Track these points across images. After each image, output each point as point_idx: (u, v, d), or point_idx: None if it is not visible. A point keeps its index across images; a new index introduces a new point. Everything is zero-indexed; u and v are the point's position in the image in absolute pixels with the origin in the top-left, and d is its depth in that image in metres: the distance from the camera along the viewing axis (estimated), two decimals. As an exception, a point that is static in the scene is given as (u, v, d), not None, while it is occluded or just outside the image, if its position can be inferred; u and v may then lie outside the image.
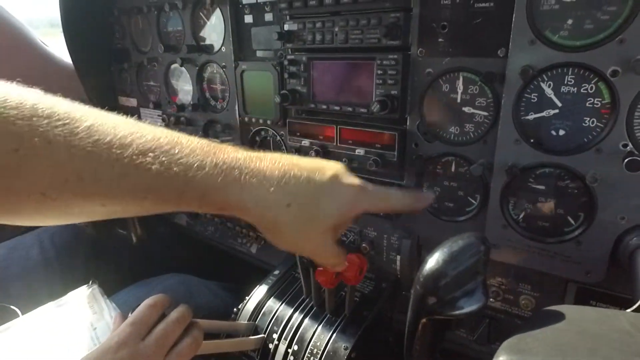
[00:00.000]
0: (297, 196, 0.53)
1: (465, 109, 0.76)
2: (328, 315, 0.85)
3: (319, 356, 0.79)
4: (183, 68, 1.24)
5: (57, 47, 1.46)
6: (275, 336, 0.85)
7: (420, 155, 0.83)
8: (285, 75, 0.96)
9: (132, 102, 1.48)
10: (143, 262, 1.48)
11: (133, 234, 1.49)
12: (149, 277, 1.28)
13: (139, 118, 1.06)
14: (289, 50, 0.95)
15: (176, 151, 0.46)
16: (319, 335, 0.82)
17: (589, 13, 0.60)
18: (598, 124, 0.64)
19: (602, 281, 0.67)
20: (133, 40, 1.39)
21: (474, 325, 0.87)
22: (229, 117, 1.16)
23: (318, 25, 0.86)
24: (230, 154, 0.51)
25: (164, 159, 0.45)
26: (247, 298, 0.95)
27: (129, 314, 0.70)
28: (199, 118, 1.25)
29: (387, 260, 0.97)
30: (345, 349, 0.78)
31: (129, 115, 0.47)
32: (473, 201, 0.81)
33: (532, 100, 0.68)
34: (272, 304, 0.92)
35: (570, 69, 0.64)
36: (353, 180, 0.59)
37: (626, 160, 0.61)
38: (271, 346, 0.85)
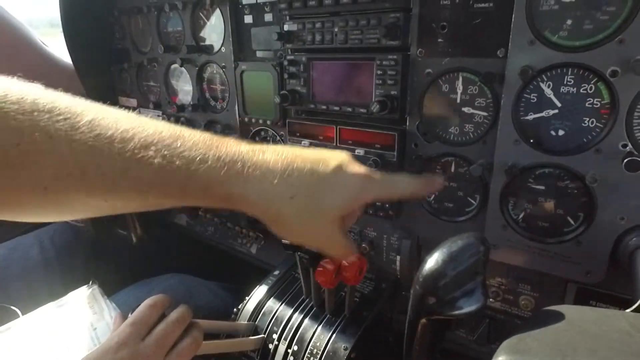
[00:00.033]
0: (301, 188, 0.52)
1: (465, 109, 0.77)
2: (328, 316, 0.85)
3: (318, 356, 0.79)
4: (183, 68, 1.24)
5: (57, 47, 1.46)
6: (275, 336, 0.85)
7: (420, 155, 0.83)
8: (285, 76, 0.96)
9: (132, 102, 1.48)
10: (143, 262, 1.48)
11: (133, 234, 1.49)
12: (149, 277, 1.28)
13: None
14: (289, 50, 0.95)
15: (178, 144, 0.46)
16: (319, 336, 0.82)
17: (589, 13, 0.60)
18: (597, 124, 0.64)
19: (601, 281, 0.67)
20: (133, 41, 1.39)
21: (474, 326, 0.87)
22: (229, 117, 1.16)
23: (318, 25, 0.86)
24: (233, 147, 0.51)
25: (166, 152, 0.45)
26: (247, 298, 0.95)
27: (129, 314, 0.70)
28: (198, 118, 1.25)
29: (387, 261, 0.97)
30: (345, 349, 0.78)
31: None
32: (473, 201, 0.81)
33: (532, 101, 0.68)
34: (272, 304, 0.92)
35: (570, 69, 0.64)
36: (358, 169, 0.57)
37: (626, 161, 0.61)
38: (271, 346, 0.85)
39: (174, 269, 1.35)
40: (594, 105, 0.63)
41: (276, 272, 1.02)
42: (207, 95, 1.23)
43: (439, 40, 0.76)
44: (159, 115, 1.37)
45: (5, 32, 1.32)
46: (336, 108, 0.90)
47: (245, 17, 1.03)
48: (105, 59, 1.48)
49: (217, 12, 1.09)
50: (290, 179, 0.52)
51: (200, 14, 1.14)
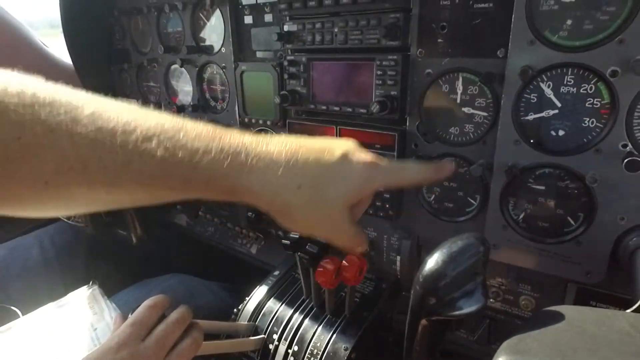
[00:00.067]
0: (306, 178, 0.52)
1: (465, 110, 0.77)
2: (328, 316, 0.85)
3: (319, 357, 0.79)
4: (183, 69, 1.24)
5: (57, 48, 1.46)
6: (275, 337, 0.85)
7: (420, 155, 0.83)
8: (285, 76, 0.96)
9: (132, 102, 1.48)
10: (143, 263, 1.48)
11: (133, 234, 1.49)
12: (149, 277, 1.28)
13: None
14: (289, 51, 0.95)
15: (181, 136, 0.45)
16: (319, 336, 0.82)
17: (588, 13, 0.60)
18: (597, 124, 0.64)
19: (602, 282, 0.67)
20: (133, 41, 1.39)
21: (474, 326, 0.87)
22: (229, 117, 1.16)
23: (317, 26, 0.86)
24: (237, 138, 0.50)
25: (168, 144, 0.44)
26: (247, 299, 0.95)
27: (129, 315, 0.70)
28: (198, 119, 1.25)
29: (387, 261, 0.97)
30: (346, 349, 0.78)
31: None
32: (473, 202, 0.81)
33: (532, 101, 0.68)
34: (272, 304, 0.92)
35: (570, 69, 0.64)
36: (365, 156, 0.56)
37: (626, 161, 0.61)
38: (271, 347, 0.85)
39: (174, 269, 1.35)
40: (594, 105, 0.63)
41: (276, 273, 1.02)
42: (207, 95, 1.23)
43: (439, 40, 0.76)
44: (159, 116, 1.37)
45: (5, 32, 1.32)
46: (336, 108, 0.90)
47: (245, 17, 1.03)
48: (105, 59, 1.48)
49: (217, 12, 1.09)
50: (295, 169, 0.51)
51: (200, 14, 1.14)
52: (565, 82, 0.65)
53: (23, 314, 1.00)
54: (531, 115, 0.68)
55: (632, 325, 0.39)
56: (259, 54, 1.05)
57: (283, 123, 1.03)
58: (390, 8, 0.77)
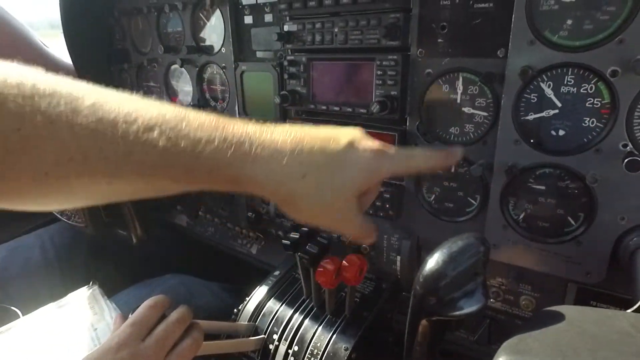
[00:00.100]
0: (311, 167, 0.51)
1: (465, 110, 0.76)
2: (328, 316, 0.85)
3: (319, 357, 0.79)
4: (183, 69, 1.24)
5: (57, 48, 1.46)
6: (275, 337, 0.85)
7: (420, 155, 0.83)
8: (285, 76, 0.96)
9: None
10: (143, 263, 1.49)
11: (133, 234, 1.49)
12: (149, 277, 1.28)
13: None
14: (289, 51, 0.95)
15: (183, 126, 0.44)
16: (319, 336, 0.82)
17: (588, 13, 0.60)
18: (598, 124, 0.64)
19: (602, 282, 0.67)
20: (133, 41, 1.39)
21: (475, 326, 0.87)
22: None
23: (318, 26, 0.86)
24: (240, 127, 0.49)
25: (170, 134, 0.43)
26: (247, 299, 0.95)
27: (130, 315, 0.70)
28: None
29: (387, 261, 0.97)
30: (346, 349, 0.78)
31: None
32: (473, 202, 0.81)
33: (532, 101, 0.68)
34: (273, 304, 0.92)
35: (570, 69, 0.64)
36: (371, 144, 0.55)
37: (626, 161, 0.61)
38: (271, 347, 0.85)
39: (174, 269, 1.35)
40: (594, 105, 0.63)
41: (276, 273, 1.02)
42: (207, 95, 1.23)
43: (439, 40, 0.76)
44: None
45: (5, 32, 1.32)
46: (336, 108, 0.90)
47: (245, 17, 1.03)
48: (105, 59, 1.48)
49: (217, 12, 1.09)
50: (300, 157, 0.50)
51: (200, 14, 1.14)
52: (565, 82, 0.65)
53: (23, 314, 1.00)
54: (531, 115, 0.68)
55: (633, 325, 0.39)
56: (259, 54, 1.05)
57: (283, 123, 1.03)
58: (390, 8, 0.77)
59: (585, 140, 0.65)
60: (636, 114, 0.60)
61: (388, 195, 0.87)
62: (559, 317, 0.42)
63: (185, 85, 1.28)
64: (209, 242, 1.45)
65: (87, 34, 1.38)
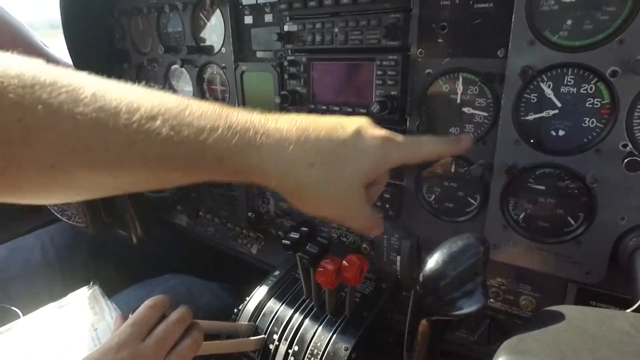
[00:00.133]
0: (319, 155, 0.49)
1: (465, 110, 0.77)
2: (328, 316, 0.85)
3: (319, 357, 0.79)
4: (183, 69, 1.24)
5: (57, 48, 1.46)
6: (275, 337, 0.85)
7: (420, 155, 0.83)
8: (285, 76, 0.96)
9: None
10: (143, 263, 1.49)
11: (133, 234, 1.49)
12: (150, 277, 1.28)
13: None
14: (289, 51, 0.96)
15: (186, 114, 0.44)
16: (320, 336, 0.82)
17: (588, 13, 0.60)
18: (598, 124, 0.64)
19: (602, 281, 0.67)
20: (133, 41, 1.39)
21: (474, 326, 0.87)
22: (229, 117, 1.16)
23: (318, 26, 0.86)
24: (244, 115, 0.48)
25: (173, 122, 0.42)
26: (247, 299, 0.95)
27: (130, 315, 0.70)
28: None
29: (387, 261, 0.97)
30: (346, 349, 0.78)
31: None
32: (473, 202, 0.81)
33: (532, 101, 0.68)
34: (273, 304, 0.92)
35: (570, 69, 0.64)
36: (379, 132, 0.54)
37: (626, 161, 0.61)
38: (271, 347, 0.85)
39: (175, 269, 1.35)
40: (594, 105, 0.63)
41: (276, 273, 1.02)
42: (208, 95, 1.23)
43: (439, 40, 0.76)
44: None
45: (5, 32, 1.32)
46: (336, 108, 0.90)
47: (245, 17, 1.03)
48: (105, 59, 1.48)
49: (217, 12, 1.09)
50: (307, 145, 0.49)
51: (201, 14, 1.14)
52: (565, 82, 0.65)
53: (24, 314, 1.00)
54: (531, 115, 0.68)
55: (632, 325, 0.39)
56: (259, 54, 1.05)
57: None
58: (390, 8, 0.77)
59: (585, 140, 0.65)
60: (636, 114, 0.60)
61: (388, 195, 0.88)
62: (558, 317, 0.42)
63: (185, 86, 1.29)
64: (209, 242, 1.45)
65: (87, 34, 1.38)
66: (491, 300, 0.85)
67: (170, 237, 1.66)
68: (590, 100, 0.63)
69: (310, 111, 0.97)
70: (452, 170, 0.82)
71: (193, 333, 0.71)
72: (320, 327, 0.83)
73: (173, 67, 1.29)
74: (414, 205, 0.88)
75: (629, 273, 0.58)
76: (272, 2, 0.96)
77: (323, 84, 0.91)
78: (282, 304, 0.91)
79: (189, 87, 1.26)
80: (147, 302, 0.72)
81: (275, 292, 0.95)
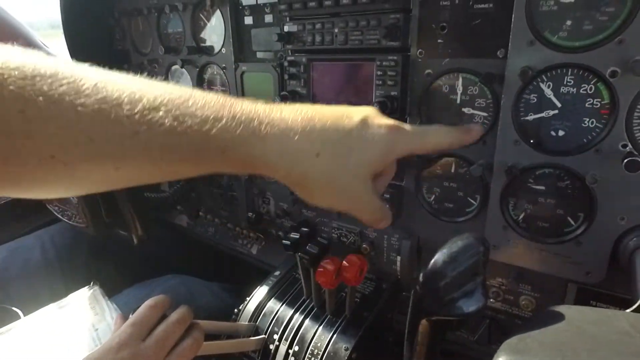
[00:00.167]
0: (325, 144, 0.48)
1: (465, 110, 0.77)
2: (328, 316, 0.85)
3: (319, 357, 0.79)
4: (183, 69, 1.24)
5: (58, 48, 1.46)
6: (275, 337, 0.85)
7: (420, 156, 0.83)
8: (285, 77, 0.96)
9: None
10: (144, 263, 1.49)
11: (134, 234, 1.49)
12: (150, 278, 1.29)
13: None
14: (289, 51, 0.96)
15: (190, 104, 0.43)
16: (320, 336, 0.82)
17: (588, 14, 0.60)
18: (597, 124, 0.64)
19: (602, 281, 0.67)
20: (133, 42, 1.39)
21: (475, 326, 0.87)
22: (229, 118, 1.16)
23: (318, 26, 0.86)
24: (249, 106, 0.47)
25: (176, 112, 0.42)
26: (247, 299, 0.96)
27: (130, 315, 0.70)
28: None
29: (388, 261, 0.97)
30: (346, 349, 0.78)
31: None
32: (473, 202, 0.82)
33: (532, 101, 0.68)
34: (273, 304, 0.92)
35: (570, 69, 0.64)
36: (386, 121, 0.53)
37: (625, 161, 0.61)
38: (272, 347, 0.85)
39: (175, 269, 1.35)
40: (594, 106, 0.63)
41: (277, 273, 1.02)
42: (208, 96, 1.23)
43: (439, 41, 0.76)
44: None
45: (5, 33, 1.32)
46: (336, 109, 0.90)
47: (246, 18, 1.04)
48: (105, 60, 1.48)
49: (218, 13, 1.09)
50: (313, 135, 0.48)
51: (201, 15, 1.14)
52: (565, 83, 0.65)
53: (24, 315, 1.00)
54: (531, 115, 0.69)
55: (632, 325, 0.39)
56: (259, 55, 1.05)
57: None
58: (390, 8, 0.77)
59: (585, 140, 0.65)
60: (636, 114, 0.60)
61: (388, 196, 0.88)
62: (558, 317, 0.42)
63: (185, 86, 1.28)
64: (209, 243, 1.45)
65: (88, 35, 1.38)
66: (491, 300, 0.85)
67: (170, 238, 1.66)
68: (590, 101, 0.64)
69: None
70: (452, 170, 0.82)
71: (193, 333, 0.71)
72: (321, 327, 0.83)
73: (173, 67, 1.29)
74: (414, 206, 0.88)
75: (629, 273, 0.58)
76: (272, 3, 0.97)
77: (323, 84, 0.91)
78: (282, 304, 0.91)
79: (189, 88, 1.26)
80: (148, 302, 0.72)
81: (276, 293, 0.95)
